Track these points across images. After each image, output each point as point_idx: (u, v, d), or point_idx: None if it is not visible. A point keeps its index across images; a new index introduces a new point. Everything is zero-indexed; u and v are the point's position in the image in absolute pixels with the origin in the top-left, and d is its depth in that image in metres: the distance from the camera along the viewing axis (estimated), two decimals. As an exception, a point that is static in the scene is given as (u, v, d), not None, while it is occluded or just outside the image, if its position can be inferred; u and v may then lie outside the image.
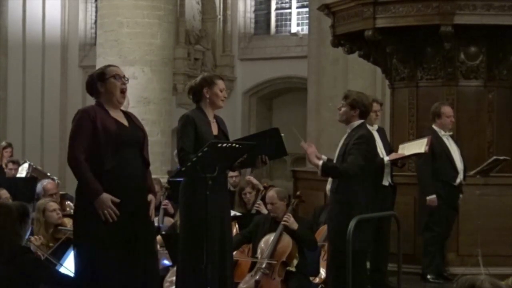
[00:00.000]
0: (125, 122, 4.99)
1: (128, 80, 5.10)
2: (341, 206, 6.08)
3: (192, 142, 5.44)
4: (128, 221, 4.82)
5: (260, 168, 6.28)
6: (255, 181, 8.46)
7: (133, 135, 4.97)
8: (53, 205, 6.77)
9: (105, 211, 4.73)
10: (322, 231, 7.26)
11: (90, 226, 4.79)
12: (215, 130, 5.59)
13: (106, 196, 4.74)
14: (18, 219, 4.96)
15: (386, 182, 7.29)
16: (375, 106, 7.43)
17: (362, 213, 5.94)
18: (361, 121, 6.21)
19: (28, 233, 5.25)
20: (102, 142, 4.80)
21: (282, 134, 5.58)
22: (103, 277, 4.76)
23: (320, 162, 6.10)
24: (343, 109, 6.23)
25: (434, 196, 7.55)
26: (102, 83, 4.97)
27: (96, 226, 4.76)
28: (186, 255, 5.48)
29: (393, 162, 7.34)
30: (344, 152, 6.13)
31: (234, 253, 6.40)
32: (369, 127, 7.16)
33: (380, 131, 7.61)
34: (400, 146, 7.59)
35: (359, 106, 6.16)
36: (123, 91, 4.99)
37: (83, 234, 4.85)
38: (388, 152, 7.44)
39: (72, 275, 5.02)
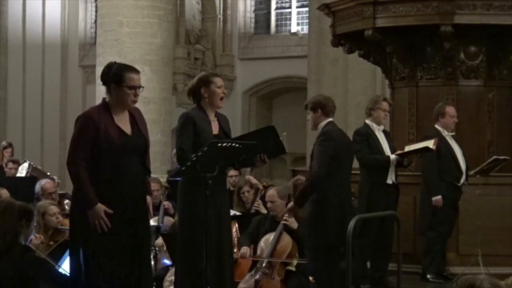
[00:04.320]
0: (128, 130, 4.91)
1: (142, 89, 4.95)
2: (313, 205, 6.20)
3: (191, 141, 5.41)
4: (127, 227, 4.83)
5: (260, 167, 6.27)
6: (254, 180, 8.46)
7: (135, 145, 4.91)
8: (54, 209, 6.74)
9: (96, 221, 4.73)
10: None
11: (87, 230, 4.76)
12: (215, 129, 5.56)
13: (100, 207, 4.73)
14: (18, 217, 4.96)
15: (390, 180, 7.27)
16: (385, 106, 7.42)
17: (335, 212, 6.10)
18: (328, 119, 6.33)
19: (32, 233, 5.26)
20: (103, 151, 4.77)
21: (284, 133, 5.57)
22: (96, 280, 4.75)
23: (290, 205, 6.38)
24: (308, 117, 6.42)
25: (440, 196, 7.52)
26: (116, 87, 4.86)
27: (93, 231, 4.74)
28: (186, 255, 5.47)
29: (399, 163, 7.31)
30: (312, 152, 6.27)
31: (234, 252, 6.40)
32: (376, 126, 7.23)
33: (385, 133, 7.58)
34: (406, 147, 7.57)
35: (318, 106, 6.34)
36: (133, 102, 4.93)
37: (79, 238, 4.84)
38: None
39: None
